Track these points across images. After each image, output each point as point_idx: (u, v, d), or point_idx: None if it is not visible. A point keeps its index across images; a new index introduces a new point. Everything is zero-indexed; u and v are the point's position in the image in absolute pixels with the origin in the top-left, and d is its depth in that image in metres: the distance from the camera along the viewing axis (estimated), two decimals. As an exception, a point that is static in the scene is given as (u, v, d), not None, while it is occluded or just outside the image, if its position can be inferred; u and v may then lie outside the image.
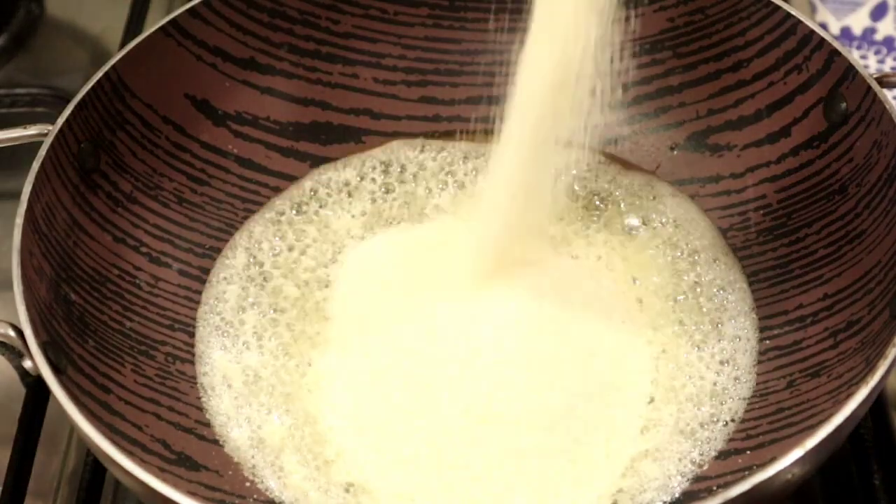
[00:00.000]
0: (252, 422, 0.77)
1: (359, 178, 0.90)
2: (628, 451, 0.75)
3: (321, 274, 0.85)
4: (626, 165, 0.89)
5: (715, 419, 0.76)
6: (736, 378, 0.78)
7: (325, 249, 0.86)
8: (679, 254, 0.84)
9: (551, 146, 0.76)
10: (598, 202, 0.88)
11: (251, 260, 0.86)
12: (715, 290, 0.82)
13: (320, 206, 0.89)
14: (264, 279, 0.85)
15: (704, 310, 0.81)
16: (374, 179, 0.90)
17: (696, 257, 0.84)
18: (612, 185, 0.89)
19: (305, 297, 0.84)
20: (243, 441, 0.77)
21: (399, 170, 0.91)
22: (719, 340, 0.80)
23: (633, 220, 0.86)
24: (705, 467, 0.74)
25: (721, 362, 0.79)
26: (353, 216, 0.88)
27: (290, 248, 0.87)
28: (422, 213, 0.88)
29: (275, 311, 0.83)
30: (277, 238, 0.87)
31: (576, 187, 0.88)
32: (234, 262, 0.86)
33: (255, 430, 0.77)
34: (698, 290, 0.82)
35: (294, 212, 0.89)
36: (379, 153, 0.91)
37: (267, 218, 0.88)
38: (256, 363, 0.80)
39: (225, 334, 0.82)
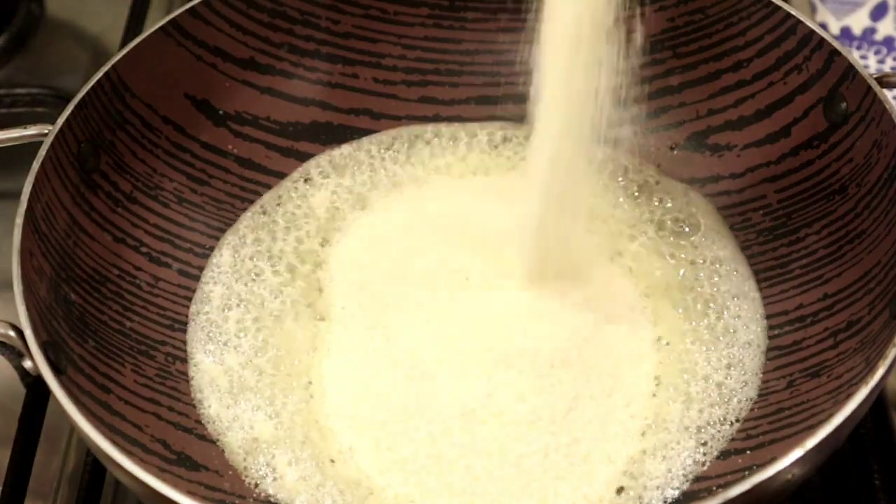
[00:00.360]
0: (245, 422, 0.77)
1: (356, 151, 0.91)
2: (629, 451, 0.75)
3: (313, 267, 0.85)
4: (668, 170, 0.89)
5: (720, 420, 0.76)
6: (745, 382, 0.78)
7: (319, 238, 0.86)
8: (701, 261, 0.84)
9: (584, 143, 0.76)
10: (634, 199, 0.88)
11: (235, 256, 0.85)
12: (731, 298, 0.82)
13: (308, 190, 0.89)
14: (254, 276, 0.84)
15: (717, 315, 0.81)
16: (373, 154, 0.91)
17: (717, 266, 0.83)
18: (651, 181, 0.88)
19: (298, 291, 0.83)
20: (238, 442, 0.76)
21: (406, 145, 0.91)
22: (730, 346, 0.79)
23: (664, 223, 0.86)
24: (706, 467, 0.74)
25: (728, 366, 0.78)
26: (345, 195, 0.89)
27: (276, 240, 0.86)
28: (423, 182, 0.89)
29: (263, 307, 0.83)
30: (265, 232, 0.87)
31: (620, 179, 0.88)
32: (220, 261, 0.85)
33: (248, 431, 0.77)
34: (713, 296, 0.82)
35: (280, 202, 0.88)
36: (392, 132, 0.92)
37: (250, 215, 0.88)
38: (249, 363, 0.80)
39: (211, 335, 0.81)
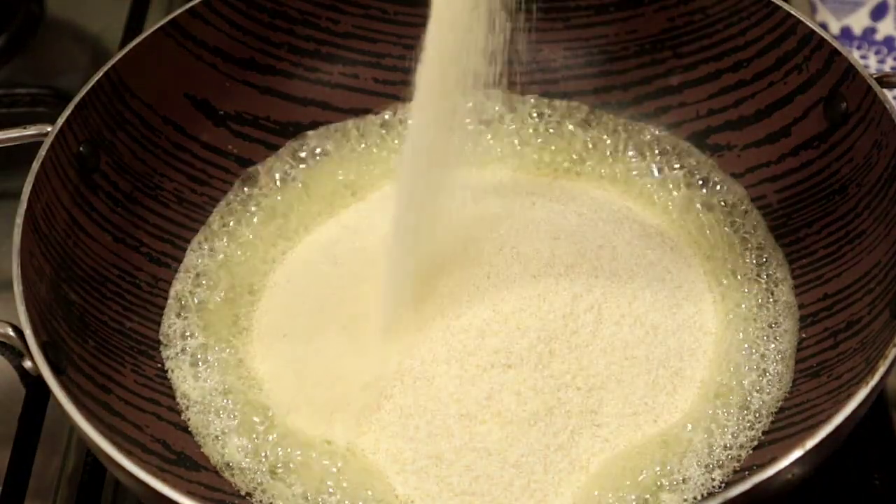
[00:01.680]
0: (225, 435, 0.77)
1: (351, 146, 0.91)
2: (629, 452, 0.75)
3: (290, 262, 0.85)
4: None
5: (722, 422, 0.76)
6: (760, 386, 0.77)
7: (311, 234, 0.87)
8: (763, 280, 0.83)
9: (459, 92, 0.74)
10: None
11: (206, 255, 0.85)
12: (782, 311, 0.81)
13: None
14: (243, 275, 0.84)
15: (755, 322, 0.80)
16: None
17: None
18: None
19: (287, 291, 0.83)
20: (222, 454, 0.76)
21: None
22: (758, 354, 0.79)
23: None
24: (707, 469, 0.74)
25: (750, 369, 0.78)
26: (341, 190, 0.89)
27: (266, 239, 0.86)
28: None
29: (253, 308, 0.83)
30: (254, 231, 0.87)
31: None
32: (200, 259, 0.85)
33: (224, 442, 0.76)
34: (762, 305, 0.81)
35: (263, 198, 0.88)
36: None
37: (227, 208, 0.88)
38: (237, 364, 0.80)
39: (184, 343, 0.81)
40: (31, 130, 0.79)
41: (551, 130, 0.90)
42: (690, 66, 0.89)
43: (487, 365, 0.76)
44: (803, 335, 0.79)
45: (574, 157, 0.89)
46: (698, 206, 0.86)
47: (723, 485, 0.72)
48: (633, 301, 0.79)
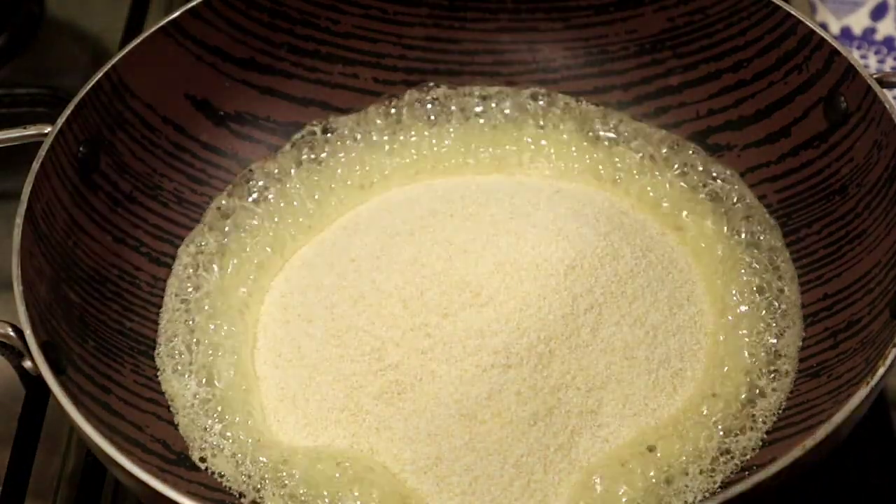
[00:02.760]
0: (217, 441, 0.77)
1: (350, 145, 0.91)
2: (629, 452, 0.75)
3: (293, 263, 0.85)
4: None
5: (722, 425, 0.76)
6: (762, 387, 0.77)
7: (305, 232, 0.87)
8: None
9: None
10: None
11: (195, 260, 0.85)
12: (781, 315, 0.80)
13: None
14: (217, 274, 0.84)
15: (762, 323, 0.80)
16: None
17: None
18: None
19: (279, 290, 0.83)
20: (228, 461, 0.76)
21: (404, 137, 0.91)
22: (760, 353, 0.78)
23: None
24: (707, 470, 0.74)
25: (751, 370, 0.78)
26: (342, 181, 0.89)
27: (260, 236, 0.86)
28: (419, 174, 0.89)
29: (241, 307, 0.82)
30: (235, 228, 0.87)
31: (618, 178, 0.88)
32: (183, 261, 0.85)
33: (216, 449, 0.76)
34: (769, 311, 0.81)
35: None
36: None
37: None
38: (222, 366, 0.80)
39: (173, 348, 0.81)
40: (31, 130, 0.79)
41: (551, 131, 0.90)
42: (690, 66, 0.89)
43: (487, 365, 0.76)
44: (803, 335, 0.79)
45: (574, 157, 0.89)
46: (699, 205, 0.86)
47: (723, 485, 0.72)
48: (633, 301, 0.79)
